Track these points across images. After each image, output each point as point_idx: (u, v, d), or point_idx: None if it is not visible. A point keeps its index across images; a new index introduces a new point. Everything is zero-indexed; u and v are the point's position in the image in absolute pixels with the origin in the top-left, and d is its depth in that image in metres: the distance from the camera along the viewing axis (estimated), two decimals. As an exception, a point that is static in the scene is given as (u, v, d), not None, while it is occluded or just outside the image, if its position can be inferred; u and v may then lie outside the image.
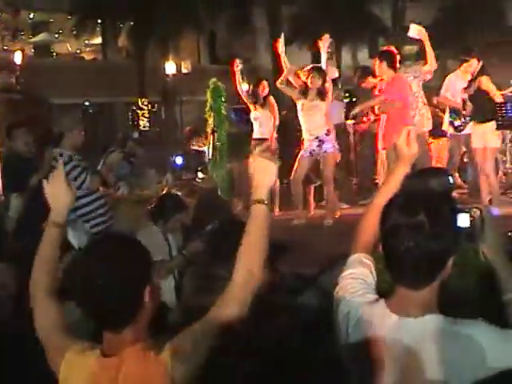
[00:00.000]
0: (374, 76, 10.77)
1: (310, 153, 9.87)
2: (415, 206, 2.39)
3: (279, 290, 5.23)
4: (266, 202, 2.64)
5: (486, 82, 9.63)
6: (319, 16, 30.58)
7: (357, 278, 2.68)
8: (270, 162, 2.70)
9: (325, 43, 10.55)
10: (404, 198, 2.54)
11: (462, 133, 10.37)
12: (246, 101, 10.97)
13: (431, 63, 9.85)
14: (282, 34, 10.99)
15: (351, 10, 31.91)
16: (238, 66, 11.06)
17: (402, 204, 2.46)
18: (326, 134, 9.82)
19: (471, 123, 10.06)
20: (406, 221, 2.36)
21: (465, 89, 9.93)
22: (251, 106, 10.87)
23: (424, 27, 10.32)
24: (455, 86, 10.52)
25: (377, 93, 10.22)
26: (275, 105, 10.82)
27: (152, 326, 2.54)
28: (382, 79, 10.07)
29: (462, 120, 10.33)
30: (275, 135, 10.83)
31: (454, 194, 10.47)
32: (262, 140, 10.75)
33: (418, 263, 2.36)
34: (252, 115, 10.89)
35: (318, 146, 9.81)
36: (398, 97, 9.40)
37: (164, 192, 8.52)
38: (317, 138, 9.81)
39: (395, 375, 2.41)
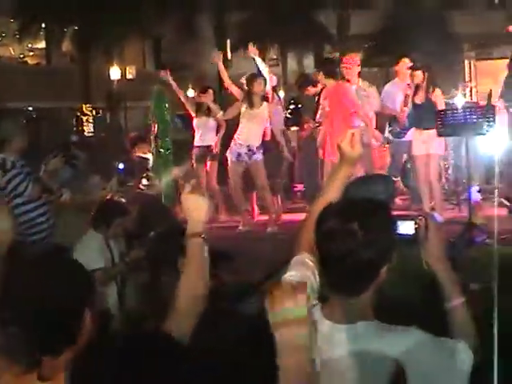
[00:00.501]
0: (316, 84, 10.85)
1: (238, 158, 9.87)
2: (350, 214, 2.39)
3: (223, 297, 5.21)
4: (202, 235, 2.68)
5: (439, 96, 9.71)
6: (265, 23, 30.69)
7: (298, 278, 2.65)
8: (201, 198, 2.73)
9: (253, 53, 10.53)
10: (340, 205, 2.54)
11: (404, 139, 10.49)
12: (189, 108, 10.95)
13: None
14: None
15: (297, 18, 32.06)
16: (165, 76, 11.04)
17: (337, 211, 2.45)
18: (257, 148, 9.87)
19: (413, 129, 10.17)
20: (340, 228, 2.35)
21: (412, 96, 9.92)
22: (194, 114, 10.85)
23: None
24: (393, 95, 10.63)
25: (321, 101, 10.26)
26: (221, 112, 10.80)
27: (95, 335, 2.49)
28: (323, 87, 10.13)
29: (402, 127, 10.45)
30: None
31: (397, 200, 10.64)
32: (203, 148, 10.76)
33: (351, 271, 2.36)
34: (195, 122, 10.87)
35: (247, 154, 9.84)
36: (340, 105, 9.45)
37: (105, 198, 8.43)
38: (248, 146, 9.83)
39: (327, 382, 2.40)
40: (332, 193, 2.81)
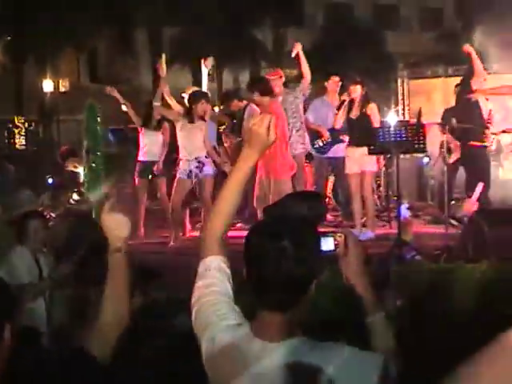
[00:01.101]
0: (241, 99, 10.95)
1: (188, 175, 9.83)
2: (280, 231, 2.38)
3: (151, 314, 5.17)
4: (123, 251, 2.68)
5: (374, 111, 9.80)
6: (201, 37, 30.69)
7: (223, 294, 2.59)
8: (121, 217, 2.73)
9: (208, 65, 10.62)
10: (269, 223, 2.55)
11: (328, 155, 10.62)
12: (136, 122, 10.86)
13: (306, 76, 10.21)
14: (163, 55, 10.95)
15: (233, 33, 32.18)
16: (111, 91, 10.97)
17: (267, 229, 2.45)
18: (206, 157, 9.85)
19: (343, 146, 10.26)
20: (271, 246, 2.35)
21: (347, 112, 9.99)
22: (140, 129, 10.77)
23: (305, 52, 10.59)
24: (319, 111, 10.78)
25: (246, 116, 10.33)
26: (168, 128, 10.73)
27: (24, 351, 2.44)
28: (247, 103, 10.28)
29: (325, 142, 10.56)
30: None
31: (329, 216, 10.72)
32: (149, 163, 10.67)
33: (283, 288, 2.35)
34: (141, 137, 10.78)
35: (198, 167, 9.79)
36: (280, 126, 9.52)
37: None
38: (196, 159, 9.80)
39: None
40: (240, 178, 2.72)
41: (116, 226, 2.70)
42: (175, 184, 9.90)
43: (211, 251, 2.64)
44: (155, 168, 10.58)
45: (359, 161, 9.59)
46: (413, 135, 7.97)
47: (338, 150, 10.58)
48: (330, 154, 10.69)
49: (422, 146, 8.00)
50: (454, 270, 6.78)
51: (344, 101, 9.91)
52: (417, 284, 6.47)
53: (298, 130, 10.26)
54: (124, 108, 11.05)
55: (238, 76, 35.01)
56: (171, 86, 10.45)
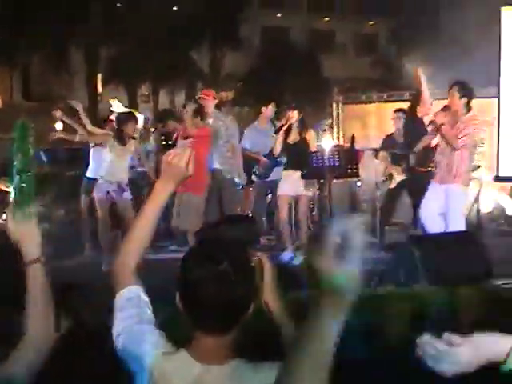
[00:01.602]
0: (178, 120, 10.92)
1: (106, 195, 9.73)
2: (219, 254, 2.37)
3: (80, 338, 5.07)
4: (38, 260, 2.58)
5: (312, 137, 9.85)
6: (137, 59, 30.62)
7: (149, 323, 2.57)
8: (32, 223, 2.66)
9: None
10: (207, 246, 2.52)
11: (269, 179, 10.62)
12: (92, 139, 10.70)
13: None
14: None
15: (170, 55, 32.18)
16: (59, 116, 10.83)
17: (205, 252, 2.44)
18: (126, 184, 9.82)
19: (281, 170, 10.30)
20: (210, 270, 2.34)
21: (285, 137, 10.01)
22: (92, 145, 10.62)
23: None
24: (256, 137, 10.79)
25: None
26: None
27: None
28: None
29: (264, 169, 10.58)
30: None
31: (262, 239, 10.73)
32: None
33: (223, 310, 2.35)
34: (92, 154, 10.65)
35: (116, 191, 9.71)
36: (202, 146, 9.56)
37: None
38: (118, 183, 9.72)
39: None
40: (148, 216, 2.72)
41: (28, 233, 2.62)
42: (98, 205, 9.81)
43: (127, 282, 2.62)
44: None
45: (294, 184, 9.63)
46: (346, 161, 8.05)
47: (277, 173, 10.66)
48: (275, 177, 10.74)
49: (354, 171, 8.09)
50: (385, 295, 6.82)
51: (282, 126, 9.94)
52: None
53: (230, 158, 10.20)
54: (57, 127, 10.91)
55: (173, 98, 34.99)
56: (106, 107, 10.38)
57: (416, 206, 9.77)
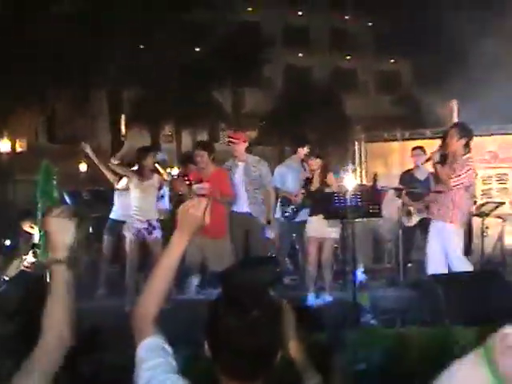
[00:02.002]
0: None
1: (137, 235, 9.71)
2: (248, 302, 2.38)
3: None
4: (63, 261, 2.59)
5: (333, 180, 9.85)
6: (159, 100, 30.84)
7: (174, 372, 2.55)
8: (67, 221, 2.62)
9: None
10: (235, 293, 2.51)
11: (295, 220, 10.59)
12: (111, 179, 10.70)
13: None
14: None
15: (192, 96, 32.39)
16: (84, 146, 10.79)
17: (234, 301, 2.43)
18: (157, 220, 9.76)
19: (306, 212, 10.33)
20: (241, 318, 2.34)
21: (307, 180, 10.02)
22: (116, 185, 10.63)
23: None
24: (286, 177, 10.70)
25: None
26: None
27: None
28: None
29: (292, 208, 10.53)
30: None
31: (286, 280, 10.72)
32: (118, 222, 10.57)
33: (253, 357, 2.35)
34: (116, 195, 10.68)
35: (147, 229, 9.68)
36: (220, 189, 9.56)
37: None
38: (148, 221, 9.68)
39: None
40: (167, 268, 2.73)
41: (60, 229, 2.61)
42: (128, 245, 9.73)
43: (147, 333, 2.63)
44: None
45: (321, 226, 9.53)
46: (368, 200, 8.03)
47: (301, 214, 10.65)
48: (302, 217, 10.72)
49: (376, 210, 8.06)
50: (409, 334, 6.79)
51: (308, 178, 9.95)
52: (372, 349, 6.46)
53: (254, 204, 9.96)
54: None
55: (196, 137, 35.17)
56: (131, 148, 10.39)
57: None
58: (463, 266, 8.43)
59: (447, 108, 10.04)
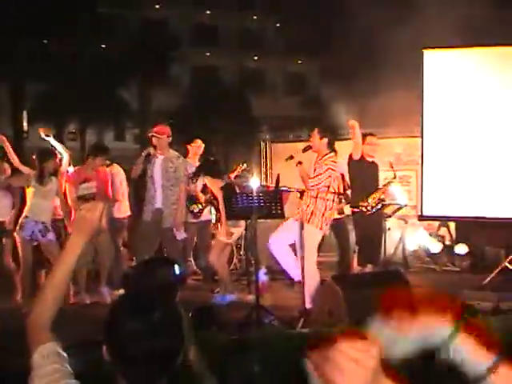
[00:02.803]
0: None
1: (30, 236, 9.52)
2: (147, 304, 2.35)
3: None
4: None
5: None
6: (64, 96, 30.37)
7: (69, 377, 2.52)
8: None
9: (46, 131, 10.35)
10: (133, 296, 2.48)
11: (198, 220, 10.59)
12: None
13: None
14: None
15: (97, 92, 32.02)
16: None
17: (132, 303, 2.39)
18: (51, 225, 9.62)
19: (210, 210, 10.34)
20: (140, 321, 2.30)
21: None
22: None
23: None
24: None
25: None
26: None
27: None
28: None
29: (200, 207, 10.53)
30: None
31: (190, 280, 10.68)
32: None
33: (152, 361, 2.30)
34: None
35: (41, 231, 9.51)
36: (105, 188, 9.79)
37: None
38: (43, 223, 9.51)
39: None
40: (62, 273, 2.72)
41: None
42: (21, 244, 9.52)
43: (42, 339, 2.58)
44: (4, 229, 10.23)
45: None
46: (271, 201, 8.04)
47: (205, 214, 10.66)
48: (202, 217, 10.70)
49: (279, 211, 8.08)
50: (309, 335, 6.84)
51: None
52: (274, 350, 6.48)
53: (173, 203, 9.70)
54: None
55: (102, 136, 34.78)
56: (32, 145, 10.17)
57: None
58: (313, 263, 8.54)
59: (349, 126, 10.18)
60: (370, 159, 10.30)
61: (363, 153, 10.21)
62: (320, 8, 31.97)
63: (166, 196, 9.67)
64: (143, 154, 9.76)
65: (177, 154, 9.95)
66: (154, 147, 9.78)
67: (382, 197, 10.33)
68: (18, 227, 9.56)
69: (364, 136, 10.37)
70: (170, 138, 9.89)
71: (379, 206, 10.26)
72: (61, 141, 10.83)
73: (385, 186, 10.47)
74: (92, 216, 2.68)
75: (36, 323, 2.62)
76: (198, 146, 11.16)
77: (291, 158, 8.96)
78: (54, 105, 29.74)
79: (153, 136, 9.82)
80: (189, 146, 11.22)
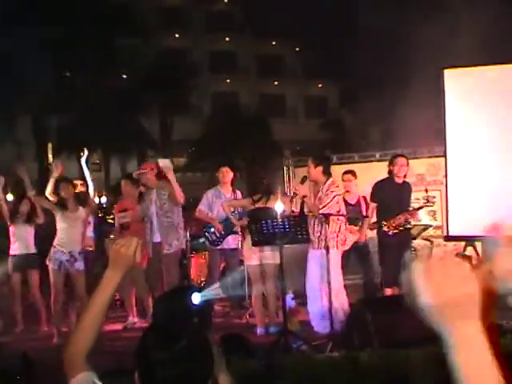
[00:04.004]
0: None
1: (59, 266, 9.57)
2: (174, 332, 2.37)
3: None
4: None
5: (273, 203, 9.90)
6: (88, 127, 30.54)
7: None
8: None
9: (84, 158, 10.46)
10: (161, 324, 2.53)
11: (224, 246, 10.60)
12: (4, 215, 10.52)
13: (176, 198, 9.67)
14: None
15: (120, 123, 32.21)
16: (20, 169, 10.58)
17: (160, 331, 2.42)
18: (79, 252, 9.64)
19: (234, 236, 10.34)
20: (168, 349, 2.31)
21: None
22: (9, 221, 10.44)
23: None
24: (213, 201, 10.73)
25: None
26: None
27: None
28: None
29: (218, 235, 10.52)
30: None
31: (217, 307, 10.67)
32: (22, 256, 10.39)
33: None
34: (11, 230, 10.45)
35: (69, 261, 9.56)
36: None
37: None
38: (70, 253, 9.56)
39: None
40: (99, 306, 2.76)
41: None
42: (51, 275, 9.62)
43: (78, 369, 2.62)
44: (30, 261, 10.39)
45: (260, 252, 9.38)
46: (296, 226, 8.04)
47: (230, 241, 10.63)
48: (224, 245, 10.67)
49: (304, 236, 8.08)
50: (339, 359, 6.81)
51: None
52: (302, 375, 6.46)
53: (169, 227, 9.74)
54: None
55: (125, 165, 34.92)
56: (59, 176, 10.22)
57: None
58: (340, 292, 8.61)
59: (395, 164, 10.13)
60: (399, 180, 10.18)
61: (392, 174, 10.10)
62: (339, 32, 32.06)
63: (161, 224, 9.74)
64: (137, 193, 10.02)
65: (165, 183, 9.81)
66: (143, 185, 10.02)
67: (408, 218, 10.22)
68: (48, 258, 9.66)
69: (394, 157, 10.33)
70: (155, 170, 9.83)
71: (405, 227, 10.16)
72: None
73: (415, 209, 10.35)
74: (127, 251, 2.76)
75: (73, 353, 2.67)
76: (227, 173, 11.00)
77: (304, 196, 8.92)
78: (76, 135, 29.88)
79: (139, 175, 10.05)
80: (217, 174, 11.10)
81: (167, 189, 9.70)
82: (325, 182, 8.76)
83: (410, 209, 10.24)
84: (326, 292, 8.35)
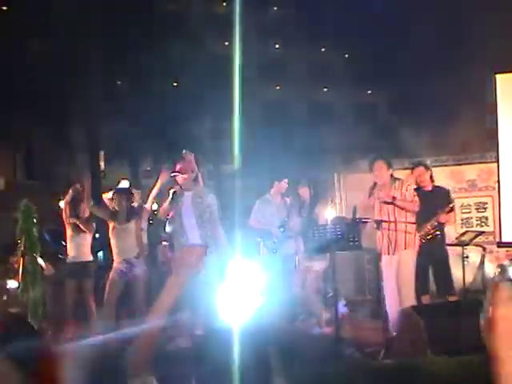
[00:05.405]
0: None
1: (119, 275, 9.72)
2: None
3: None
4: None
5: (321, 211, 9.97)
6: (139, 135, 30.78)
7: None
8: None
9: (143, 171, 10.64)
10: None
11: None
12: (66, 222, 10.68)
13: None
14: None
15: (170, 130, 32.35)
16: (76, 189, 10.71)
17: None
18: (136, 258, 9.74)
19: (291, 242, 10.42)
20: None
21: (298, 212, 10.12)
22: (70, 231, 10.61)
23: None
24: (267, 210, 10.76)
25: None
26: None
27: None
28: None
29: (274, 242, 10.57)
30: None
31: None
32: (79, 264, 10.54)
33: None
34: (68, 237, 10.62)
35: (126, 267, 9.68)
36: None
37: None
38: (125, 260, 9.70)
39: None
40: (163, 307, 2.83)
41: None
42: (108, 283, 9.79)
43: (141, 371, 2.68)
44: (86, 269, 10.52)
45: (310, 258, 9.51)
46: (348, 232, 8.06)
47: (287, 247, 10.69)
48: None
49: (356, 243, 8.09)
50: (393, 366, 6.80)
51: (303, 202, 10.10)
52: (356, 382, 6.46)
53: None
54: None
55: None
56: (109, 184, 10.42)
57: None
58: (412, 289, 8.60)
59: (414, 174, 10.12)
60: (427, 188, 10.15)
61: (416, 182, 10.09)
62: (390, 35, 31.81)
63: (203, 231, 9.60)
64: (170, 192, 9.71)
65: (205, 188, 9.19)
66: (180, 186, 9.55)
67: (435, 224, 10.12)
68: (112, 270, 9.82)
69: (413, 167, 10.35)
70: (195, 172, 9.07)
71: (435, 233, 10.08)
72: (136, 179, 11.01)
73: (438, 213, 10.25)
74: (190, 259, 2.80)
75: (137, 356, 2.74)
76: (284, 185, 11.09)
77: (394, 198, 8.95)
78: (128, 144, 30.13)
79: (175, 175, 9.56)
80: (276, 184, 11.11)
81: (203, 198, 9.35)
82: (393, 183, 8.81)
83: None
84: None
